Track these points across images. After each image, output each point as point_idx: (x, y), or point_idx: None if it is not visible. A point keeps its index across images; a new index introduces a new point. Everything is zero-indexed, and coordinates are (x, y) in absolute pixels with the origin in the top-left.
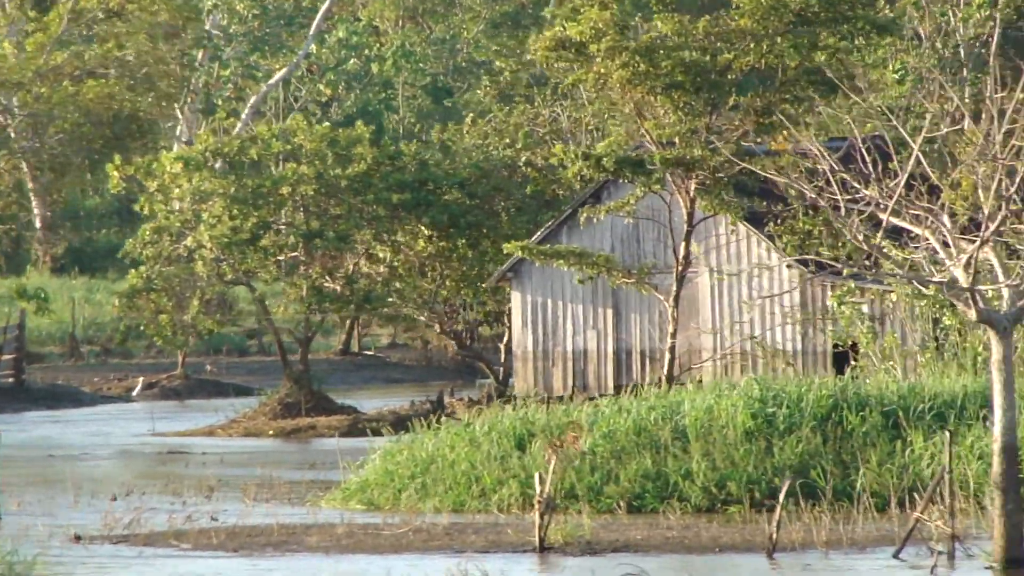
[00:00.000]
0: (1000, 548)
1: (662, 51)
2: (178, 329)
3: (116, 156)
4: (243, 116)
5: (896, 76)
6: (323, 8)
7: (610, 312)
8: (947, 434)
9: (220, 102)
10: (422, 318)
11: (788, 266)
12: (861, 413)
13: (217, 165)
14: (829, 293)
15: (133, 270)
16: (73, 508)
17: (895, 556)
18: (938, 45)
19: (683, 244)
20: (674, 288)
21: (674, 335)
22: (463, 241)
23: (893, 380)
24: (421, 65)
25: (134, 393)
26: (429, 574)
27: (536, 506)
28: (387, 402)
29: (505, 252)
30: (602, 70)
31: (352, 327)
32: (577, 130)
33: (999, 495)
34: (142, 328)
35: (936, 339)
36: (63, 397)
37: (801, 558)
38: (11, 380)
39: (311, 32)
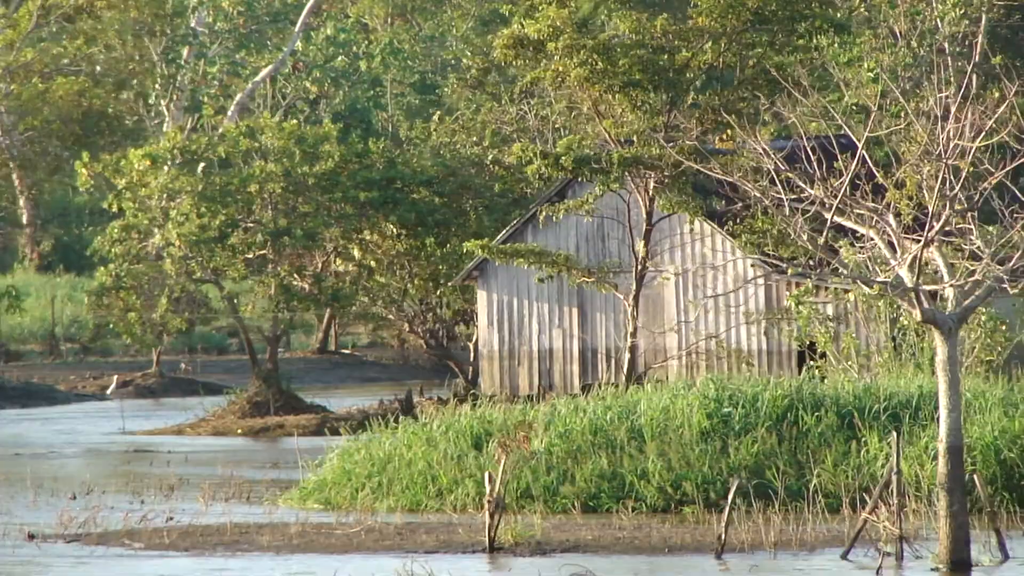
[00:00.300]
0: (946, 549)
1: (620, 49)
2: (147, 327)
3: (84, 153)
4: (229, 113)
5: (871, 75)
6: (308, 4)
7: (575, 311)
8: (894, 434)
9: (206, 99)
10: (391, 316)
11: (752, 265)
12: (817, 413)
13: (201, 167)
14: (787, 292)
15: (102, 268)
16: (31, 507)
17: (843, 557)
18: (914, 43)
19: (641, 243)
20: (633, 287)
21: (634, 334)
22: (431, 239)
23: (849, 380)
24: (410, 62)
25: (109, 391)
26: (376, 574)
27: (486, 506)
28: (359, 401)
29: (467, 251)
30: (560, 68)
31: (329, 326)
32: (544, 128)
33: (945, 496)
34: (111, 326)
35: (893, 339)
36: (37, 395)
37: (749, 559)
38: None
39: (296, 29)
